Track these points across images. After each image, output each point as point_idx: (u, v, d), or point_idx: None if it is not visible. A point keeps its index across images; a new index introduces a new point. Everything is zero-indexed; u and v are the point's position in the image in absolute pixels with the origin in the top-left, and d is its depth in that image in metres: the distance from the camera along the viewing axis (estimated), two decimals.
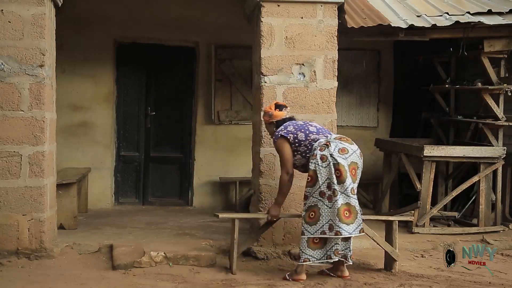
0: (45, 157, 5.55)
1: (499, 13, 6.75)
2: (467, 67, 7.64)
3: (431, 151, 6.74)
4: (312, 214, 5.09)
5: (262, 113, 5.55)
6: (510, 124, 7.03)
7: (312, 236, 5.06)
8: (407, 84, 8.37)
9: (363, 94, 8.55)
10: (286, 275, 5.20)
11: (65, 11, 6.43)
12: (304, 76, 5.96)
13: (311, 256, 5.07)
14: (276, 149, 5.34)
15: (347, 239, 5.11)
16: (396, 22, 6.41)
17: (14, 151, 5.50)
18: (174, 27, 8.03)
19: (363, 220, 5.16)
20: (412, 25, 6.40)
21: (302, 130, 5.24)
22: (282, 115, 5.37)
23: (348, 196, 5.05)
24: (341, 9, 6.12)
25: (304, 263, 5.09)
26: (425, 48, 7.44)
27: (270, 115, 5.40)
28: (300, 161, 5.26)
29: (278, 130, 5.31)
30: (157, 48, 8.23)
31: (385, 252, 5.54)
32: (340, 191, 5.02)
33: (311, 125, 5.33)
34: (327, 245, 5.08)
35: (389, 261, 5.55)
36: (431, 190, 6.85)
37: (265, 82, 5.93)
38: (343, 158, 5.06)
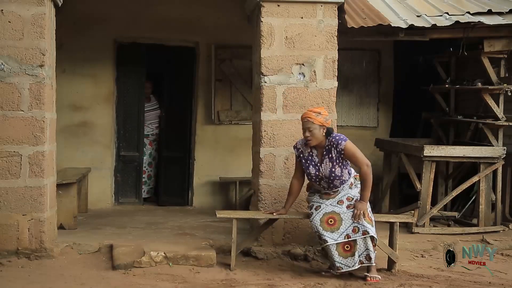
0: (45, 157, 5.55)
1: (499, 13, 6.75)
2: (467, 67, 7.64)
3: (431, 151, 6.74)
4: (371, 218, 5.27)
5: (314, 114, 5.20)
6: (510, 124, 7.03)
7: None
8: (407, 84, 8.36)
9: (363, 94, 8.55)
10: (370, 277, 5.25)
11: (65, 11, 6.42)
12: (304, 76, 5.96)
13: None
14: (349, 149, 5.16)
15: None
16: (396, 22, 6.41)
17: (14, 151, 5.49)
18: (174, 27, 8.02)
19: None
20: (412, 25, 6.40)
21: None
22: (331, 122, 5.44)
23: None
24: (341, 9, 6.12)
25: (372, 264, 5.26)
26: (425, 48, 7.44)
27: (326, 119, 5.26)
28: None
29: (338, 134, 5.26)
30: (157, 48, 8.23)
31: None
32: None
33: None
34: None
35: (389, 262, 5.55)
36: (431, 190, 6.85)
37: (265, 82, 5.93)
38: None
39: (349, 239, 5.15)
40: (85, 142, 8.02)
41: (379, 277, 5.26)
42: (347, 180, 5.34)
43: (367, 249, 5.16)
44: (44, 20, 5.48)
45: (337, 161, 5.21)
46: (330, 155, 5.22)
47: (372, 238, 5.16)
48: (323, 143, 5.25)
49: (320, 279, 5.25)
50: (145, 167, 8.52)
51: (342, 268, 5.18)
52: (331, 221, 5.19)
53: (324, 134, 5.22)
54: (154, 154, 8.66)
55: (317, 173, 5.28)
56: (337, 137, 5.22)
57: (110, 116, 8.13)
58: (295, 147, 5.46)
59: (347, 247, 5.17)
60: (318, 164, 5.28)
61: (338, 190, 5.33)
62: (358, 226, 5.14)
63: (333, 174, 5.22)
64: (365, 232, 5.13)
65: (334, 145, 5.20)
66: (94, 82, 8.04)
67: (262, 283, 5.12)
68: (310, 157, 5.33)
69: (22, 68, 5.47)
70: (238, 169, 8.12)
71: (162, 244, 5.76)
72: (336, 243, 5.15)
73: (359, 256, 5.16)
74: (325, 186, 5.33)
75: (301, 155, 5.38)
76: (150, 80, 8.59)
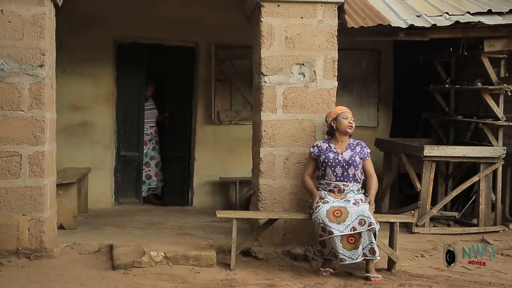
0: (45, 157, 5.55)
1: (499, 13, 6.74)
2: (467, 67, 7.64)
3: (431, 151, 6.74)
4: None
5: (348, 114, 5.55)
6: (510, 124, 7.03)
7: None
8: (407, 84, 8.36)
9: (363, 94, 8.55)
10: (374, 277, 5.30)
11: (65, 11, 6.42)
12: (304, 76, 5.96)
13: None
14: (370, 159, 5.62)
15: None
16: (396, 22, 6.41)
17: (14, 151, 5.49)
18: (174, 27, 8.02)
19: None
20: (412, 25, 6.39)
21: None
22: None
23: None
24: (341, 9, 6.12)
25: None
26: (425, 48, 7.44)
27: None
28: None
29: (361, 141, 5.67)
30: (157, 48, 8.22)
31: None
32: None
33: None
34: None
35: (389, 262, 5.55)
36: (431, 190, 6.85)
37: (265, 82, 5.93)
38: None
39: (355, 232, 5.16)
40: (85, 142, 8.01)
41: (380, 276, 5.27)
42: (358, 182, 5.49)
43: (371, 242, 5.18)
44: (44, 20, 5.48)
45: (359, 155, 5.51)
46: (355, 150, 5.56)
47: (375, 233, 5.20)
48: (347, 141, 5.58)
49: (320, 279, 5.25)
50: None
51: (346, 260, 5.20)
52: (337, 213, 5.21)
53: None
54: (150, 153, 8.60)
55: (336, 156, 5.50)
56: (364, 142, 5.67)
57: (110, 116, 8.13)
58: (314, 145, 5.65)
59: (351, 239, 5.19)
60: (338, 153, 5.52)
61: (348, 185, 5.43)
62: (365, 218, 5.16)
63: (352, 159, 5.47)
64: (371, 224, 5.15)
65: (361, 145, 5.62)
66: (94, 82, 8.03)
67: (262, 283, 5.12)
68: (329, 148, 5.58)
69: (22, 68, 5.47)
70: (238, 169, 8.12)
71: (162, 244, 5.76)
72: (341, 235, 5.16)
73: (363, 249, 5.19)
74: (338, 174, 5.46)
75: (319, 150, 5.58)
76: (151, 80, 8.55)
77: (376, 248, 5.20)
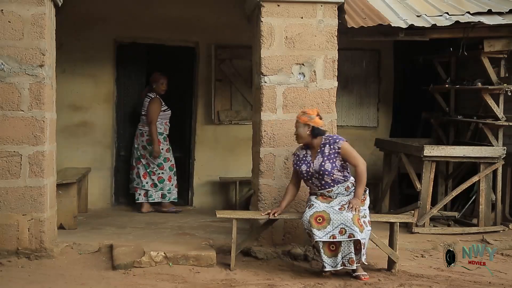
0: (45, 157, 5.55)
1: (499, 13, 6.75)
2: (467, 67, 7.65)
3: (431, 151, 6.75)
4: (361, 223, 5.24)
5: (300, 113, 5.43)
6: (510, 124, 7.03)
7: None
8: (407, 84, 8.37)
9: (363, 94, 8.55)
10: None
11: (65, 11, 6.42)
12: (304, 76, 5.96)
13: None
14: (346, 148, 5.31)
15: None
16: (396, 22, 6.42)
17: (14, 151, 5.49)
18: (174, 27, 8.02)
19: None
20: (412, 25, 6.40)
21: None
22: (322, 124, 5.39)
23: None
24: (341, 9, 6.12)
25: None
26: (425, 48, 7.44)
27: (311, 117, 5.35)
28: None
29: (336, 135, 5.45)
30: (157, 48, 8.22)
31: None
32: None
33: None
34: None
35: (389, 262, 5.55)
36: (431, 190, 6.85)
37: (265, 82, 5.93)
38: None
39: (334, 240, 5.14)
40: (85, 142, 8.01)
41: (367, 274, 5.29)
42: (342, 182, 5.36)
43: (350, 252, 5.14)
44: (44, 20, 5.48)
45: (330, 157, 5.32)
46: (324, 152, 5.34)
47: (359, 241, 5.12)
48: (318, 142, 5.38)
49: (320, 279, 5.25)
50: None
51: (326, 267, 5.20)
52: (319, 219, 5.18)
53: (309, 133, 5.36)
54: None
55: (308, 169, 5.38)
56: (334, 136, 5.42)
57: (110, 116, 8.13)
58: (294, 153, 5.60)
59: (333, 247, 5.18)
60: (311, 162, 5.39)
61: (332, 190, 5.34)
62: (346, 228, 5.11)
63: (322, 168, 5.30)
64: (351, 235, 5.10)
65: (330, 143, 5.36)
66: (94, 82, 8.03)
67: (262, 283, 5.12)
68: (304, 158, 5.45)
69: (22, 68, 5.47)
70: (238, 169, 8.12)
71: (162, 244, 5.77)
72: (323, 241, 5.14)
73: (342, 258, 5.17)
74: (317, 184, 5.38)
75: (297, 158, 5.50)
76: (161, 73, 8.29)
77: (354, 258, 5.15)
